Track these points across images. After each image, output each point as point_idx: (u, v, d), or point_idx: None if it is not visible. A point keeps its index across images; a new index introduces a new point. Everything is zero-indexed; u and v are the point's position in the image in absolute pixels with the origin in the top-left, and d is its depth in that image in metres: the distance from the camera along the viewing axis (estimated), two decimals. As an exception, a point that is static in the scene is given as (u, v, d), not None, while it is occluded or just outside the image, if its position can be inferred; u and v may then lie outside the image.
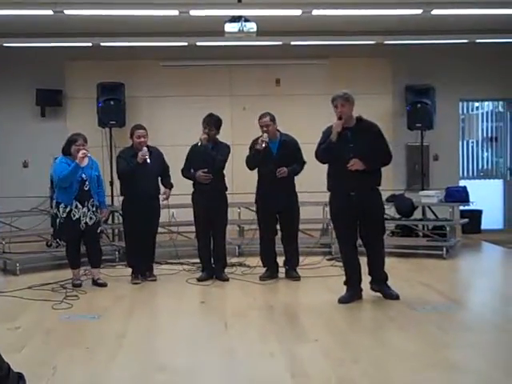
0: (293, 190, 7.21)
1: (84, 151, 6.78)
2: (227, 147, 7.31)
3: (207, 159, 7.12)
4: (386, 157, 6.11)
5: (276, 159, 7.00)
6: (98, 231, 7.15)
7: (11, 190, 9.96)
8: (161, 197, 7.30)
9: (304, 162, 7.17)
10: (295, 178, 7.22)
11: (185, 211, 8.13)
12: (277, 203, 7.02)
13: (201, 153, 7.16)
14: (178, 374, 4.26)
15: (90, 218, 6.92)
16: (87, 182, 6.88)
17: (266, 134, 6.93)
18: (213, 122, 7.18)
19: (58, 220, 6.86)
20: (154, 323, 5.66)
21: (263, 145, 6.89)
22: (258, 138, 7.07)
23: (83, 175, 6.83)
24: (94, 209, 6.97)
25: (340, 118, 5.91)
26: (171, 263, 8.14)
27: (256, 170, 7.20)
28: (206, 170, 7.10)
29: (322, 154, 6.06)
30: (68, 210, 6.79)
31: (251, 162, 7.10)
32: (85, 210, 6.86)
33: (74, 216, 6.81)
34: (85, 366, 4.39)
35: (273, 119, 7.07)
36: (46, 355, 4.59)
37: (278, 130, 7.17)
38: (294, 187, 7.23)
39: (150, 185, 7.19)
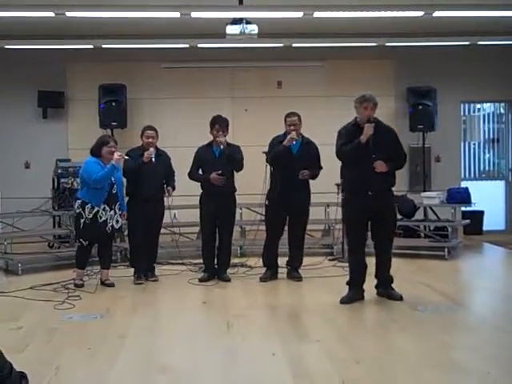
0: (308, 193, 7.20)
1: (120, 153, 6.83)
2: (239, 147, 7.32)
3: (221, 161, 7.11)
4: (403, 159, 6.25)
5: (296, 159, 6.99)
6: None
7: (13, 191, 9.97)
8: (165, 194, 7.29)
9: (321, 168, 7.19)
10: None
11: (186, 212, 8.12)
12: (289, 204, 7.00)
13: (212, 155, 7.18)
14: (179, 374, 4.26)
15: (117, 221, 6.95)
16: (115, 185, 6.90)
17: (294, 132, 6.95)
18: (226, 124, 7.21)
19: (82, 220, 6.82)
20: (155, 323, 5.65)
21: (294, 142, 6.93)
22: (279, 136, 7.12)
23: (112, 178, 6.84)
24: (120, 212, 6.99)
25: (369, 121, 5.94)
26: (173, 264, 8.15)
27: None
28: (220, 171, 7.07)
29: (348, 154, 6.02)
30: (95, 211, 6.78)
31: (276, 158, 7.01)
32: (112, 212, 6.88)
33: (101, 218, 6.81)
34: (87, 366, 4.40)
35: (300, 119, 7.09)
36: (49, 355, 4.59)
37: (300, 133, 7.16)
38: (309, 190, 7.21)
39: (156, 186, 7.20)
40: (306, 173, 7.00)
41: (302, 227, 7.30)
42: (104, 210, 6.82)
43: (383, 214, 6.05)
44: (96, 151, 6.89)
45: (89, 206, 6.79)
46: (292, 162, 6.96)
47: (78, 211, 6.86)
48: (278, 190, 7.04)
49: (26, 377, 3.45)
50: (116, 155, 6.76)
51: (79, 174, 7.14)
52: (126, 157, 7.00)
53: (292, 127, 7.01)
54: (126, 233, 7.86)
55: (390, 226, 6.21)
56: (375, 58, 10.45)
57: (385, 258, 6.18)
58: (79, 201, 6.86)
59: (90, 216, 6.78)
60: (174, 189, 7.32)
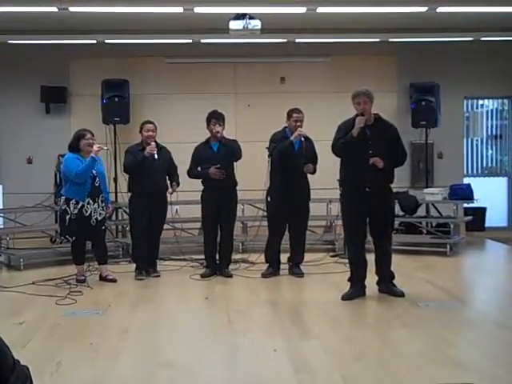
0: (309, 189, 7.23)
1: (99, 145, 6.81)
2: (235, 141, 7.34)
3: (220, 155, 7.12)
4: (403, 157, 6.21)
5: (298, 156, 6.99)
6: (103, 227, 7.14)
7: (15, 186, 10.01)
8: (169, 190, 7.28)
9: (316, 163, 7.23)
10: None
11: (188, 208, 8.12)
12: (291, 200, 7.02)
13: (210, 150, 7.19)
14: (181, 370, 4.26)
15: (100, 214, 6.93)
16: (97, 178, 6.89)
17: (300, 128, 6.98)
18: (222, 118, 7.21)
19: (68, 216, 6.80)
20: (157, 319, 5.66)
21: (302, 139, 6.94)
22: (279, 131, 7.15)
23: (93, 171, 6.84)
24: (103, 204, 6.99)
25: (362, 115, 5.93)
26: (175, 259, 8.15)
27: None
28: (218, 166, 7.07)
29: (340, 149, 6.04)
30: (80, 206, 6.78)
31: (282, 154, 6.99)
32: (95, 205, 6.87)
33: (86, 212, 6.81)
34: (89, 362, 4.40)
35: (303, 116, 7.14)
36: (50, 350, 4.61)
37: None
38: (309, 187, 7.24)
39: (158, 182, 7.19)
40: (311, 167, 7.03)
41: (304, 223, 7.31)
42: (88, 203, 6.82)
43: (380, 211, 6.03)
44: (74, 146, 6.88)
45: (73, 201, 6.78)
46: (294, 158, 6.96)
47: (63, 208, 6.86)
48: (279, 187, 7.05)
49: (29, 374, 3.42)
50: (95, 147, 6.74)
51: (61, 171, 7.13)
52: (105, 147, 6.94)
53: (298, 123, 7.03)
54: (128, 228, 7.87)
55: (387, 222, 6.19)
56: (378, 54, 10.42)
57: (383, 254, 6.17)
58: (63, 197, 6.88)
59: (76, 211, 6.77)
60: (178, 185, 7.32)
